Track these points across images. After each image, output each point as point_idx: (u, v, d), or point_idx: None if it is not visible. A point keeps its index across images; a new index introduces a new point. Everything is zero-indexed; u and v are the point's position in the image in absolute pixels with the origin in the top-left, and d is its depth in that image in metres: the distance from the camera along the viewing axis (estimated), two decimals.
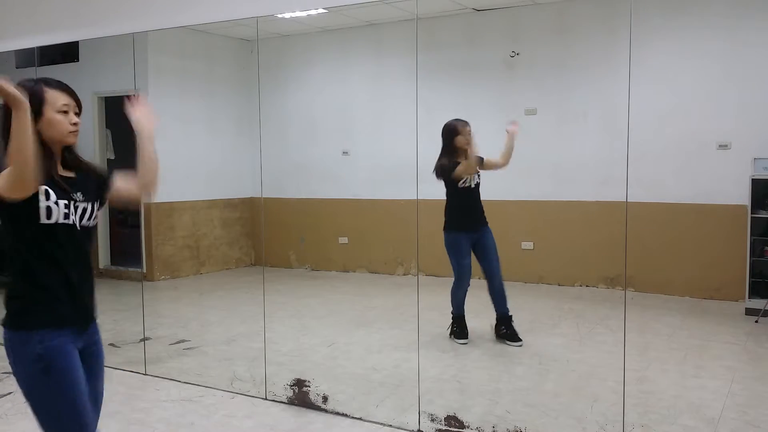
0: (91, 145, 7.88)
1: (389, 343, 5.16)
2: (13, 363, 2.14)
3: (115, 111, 7.92)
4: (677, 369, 4.46)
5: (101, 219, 7.91)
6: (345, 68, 8.25)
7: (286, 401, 3.94)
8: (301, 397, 3.92)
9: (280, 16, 4.53)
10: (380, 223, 7.80)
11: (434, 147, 7.26)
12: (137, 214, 7.84)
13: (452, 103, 7.51)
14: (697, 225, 6.40)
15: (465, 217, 5.03)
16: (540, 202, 7.09)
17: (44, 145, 2.12)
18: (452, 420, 3.56)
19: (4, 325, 2.15)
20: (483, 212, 5.08)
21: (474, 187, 5.01)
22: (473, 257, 5.11)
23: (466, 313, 5.18)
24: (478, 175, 5.05)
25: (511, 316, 5.06)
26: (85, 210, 2.22)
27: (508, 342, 4.97)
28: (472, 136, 5.00)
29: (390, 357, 4.88)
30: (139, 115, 2.40)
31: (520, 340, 4.97)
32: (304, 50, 8.41)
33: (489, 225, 5.09)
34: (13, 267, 2.15)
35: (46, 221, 2.09)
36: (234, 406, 3.92)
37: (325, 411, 3.80)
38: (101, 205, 2.32)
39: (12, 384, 4.29)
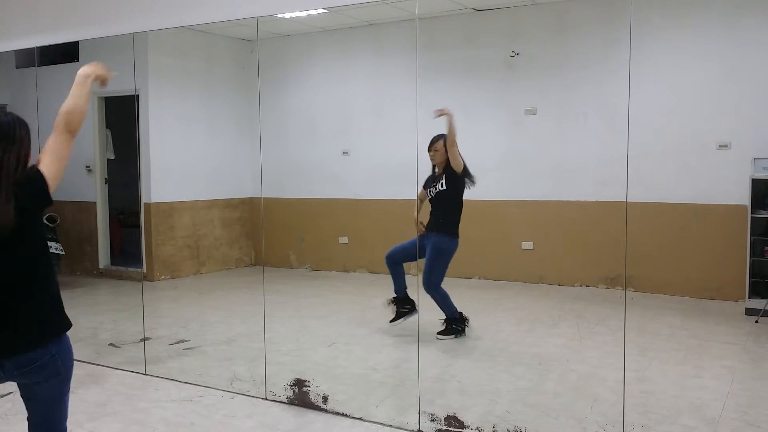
0: (91, 145, 7.89)
1: (389, 343, 5.16)
2: (70, 365, 2.34)
3: (115, 111, 7.92)
4: (677, 369, 4.46)
5: (101, 219, 7.91)
6: (345, 68, 8.25)
7: (286, 401, 3.94)
8: (301, 397, 3.92)
9: (280, 16, 4.53)
10: (380, 223, 7.79)
11: None
12: (137, 214, 7.85)
13: (452, 103, 7.46)
14: (697, 225, 6.40)
15: None
16: (540, 202, 7.09)
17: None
18: (452, 420, 3.56)
19: (61, 332, 2.30)
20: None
21: None
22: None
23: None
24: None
25: (447, 319, 5.13)
26: None
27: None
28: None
29: (390, 357, 4.88)
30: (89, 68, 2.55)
31: (443, 335, 5.11)
32: (304, 50, 8.41)
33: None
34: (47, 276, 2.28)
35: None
36: (234, 406, 3.92)
37: (325, 411, 3.80)
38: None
39: (12, 384, 4.29)
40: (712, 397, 3.90)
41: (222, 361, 4.78)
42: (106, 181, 7.96)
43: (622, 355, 3.64)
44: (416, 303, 5.13)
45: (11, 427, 3.66)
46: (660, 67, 6.35)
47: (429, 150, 5.14)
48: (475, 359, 4.78)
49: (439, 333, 5.13)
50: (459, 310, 5.15)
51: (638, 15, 4.17)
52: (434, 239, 5.05)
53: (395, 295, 5.28)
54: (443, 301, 5.08)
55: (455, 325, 5.12)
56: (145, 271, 7.51)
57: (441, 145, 5.09)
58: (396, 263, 5.25)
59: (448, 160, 5.09)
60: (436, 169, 5.20)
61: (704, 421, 3.58)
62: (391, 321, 5.28)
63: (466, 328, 5.18)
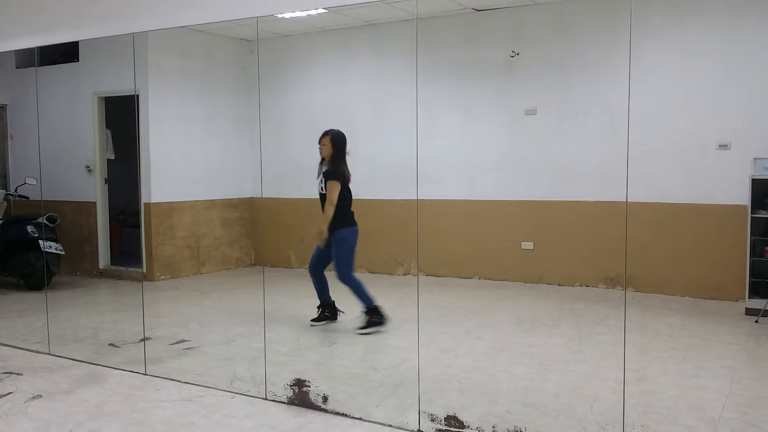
0: (91, 145, 7.89)
1: (389, 343, 5.17)
2: None
3: (115, 111, 7.92)
4: (677, 369, 4.46)
5: (101, 219, 7.91)
6: (345, 68, 8.25)
7: (286, 401, 3.94)
8: (301, 397, 3.92)
9: (280, 16, 4.53)
10: (380, 223, 7.80)
11: (434, 147, 7.28)
12: (137, 214, 7.85)
13: (452, 103, 7.52)
14: (697, 225, 6.40)
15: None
16: (540, 202, 7.09)
17: None
18: (452, 420, 3.56)
19: None
20: None
21: None
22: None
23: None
24: None
25: (366, 311, 5.32)
26: None
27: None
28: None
29: (390, 357, 4.88)
30: None
31: (364, 330, 5.30)
32: (304, 50, 8.41)
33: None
34: None
35: None
36: (234, 406, 3.92)
37: (325, 411, 3.80)
38: None
39: (12, 384, 4.30)
40: (712, 397, 3.90)
41: (222, 361, 4.78)
42: (106, 181, 7.96)
43: (622, 355, 3.64)
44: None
45: (11, 427, 3.66)
46: (660, 67, 6.36)
47: (318, 142, 5.42)
48: (475, 359, 4.78)
49: (359, 328, 5.31)
50: (376, 303, 5.34)
51: (638, 15, 4.18)
52: (335, 235, 5.39)
53: (322, 301, 5.58)
54: (357, 290, 5.31)
55: (373, 317, 5.29)
56: (145, 271, 7.51)
57: (328, 140, 5.36)
58: (318, 273, 5.54)
59: (332, 157, 5.34)
60: (324, 162, 5.42)
61: (704, 421, 3.58)
62: (312, 320, 5.56)
63: (386, 320, 5.34)
